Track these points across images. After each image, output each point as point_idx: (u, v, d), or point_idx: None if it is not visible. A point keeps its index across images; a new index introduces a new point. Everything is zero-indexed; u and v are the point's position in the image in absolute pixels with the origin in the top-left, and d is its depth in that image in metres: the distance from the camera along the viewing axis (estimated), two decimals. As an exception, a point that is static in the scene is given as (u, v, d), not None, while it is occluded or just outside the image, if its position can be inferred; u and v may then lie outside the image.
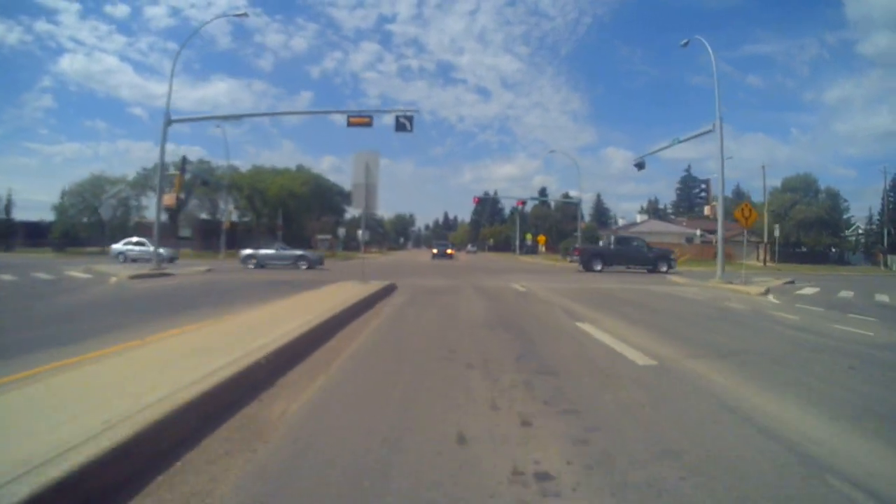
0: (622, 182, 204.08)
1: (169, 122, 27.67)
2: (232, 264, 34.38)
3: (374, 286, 14.42)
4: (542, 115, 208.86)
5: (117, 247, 38.94)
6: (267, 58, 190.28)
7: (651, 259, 32.93)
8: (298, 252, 33.07)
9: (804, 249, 71.21)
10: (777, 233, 46.16)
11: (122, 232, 62.49)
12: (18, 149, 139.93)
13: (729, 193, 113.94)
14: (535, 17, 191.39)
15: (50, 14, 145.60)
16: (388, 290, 14.68)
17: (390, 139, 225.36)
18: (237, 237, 58.85)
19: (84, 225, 59.21)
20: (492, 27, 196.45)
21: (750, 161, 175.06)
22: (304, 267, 30.14)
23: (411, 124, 23.77)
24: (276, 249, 32.28)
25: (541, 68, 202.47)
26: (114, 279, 20.24)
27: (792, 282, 27.92)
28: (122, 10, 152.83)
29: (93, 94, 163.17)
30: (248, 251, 32.19)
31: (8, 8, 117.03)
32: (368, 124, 24.30)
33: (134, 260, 35.54)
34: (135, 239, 40.28)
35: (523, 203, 60.21)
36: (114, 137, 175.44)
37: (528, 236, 77.37)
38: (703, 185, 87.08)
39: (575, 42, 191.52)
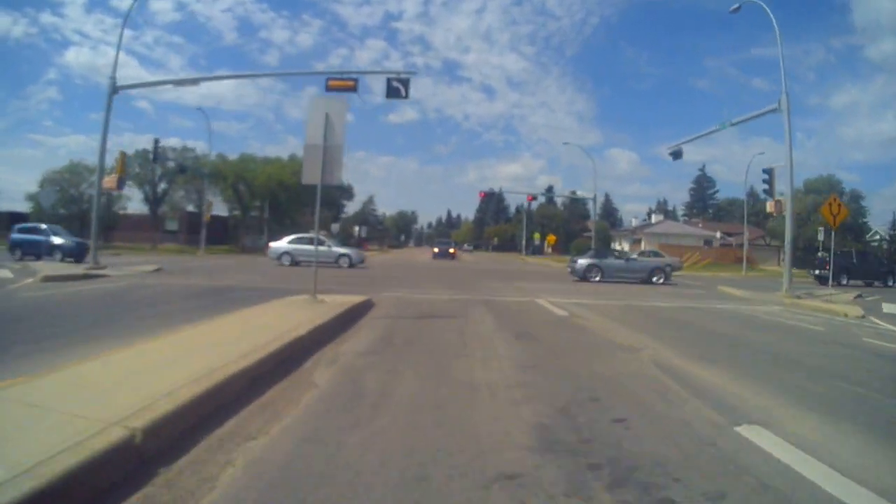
0: (627, 183, 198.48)
1: (115, 90, 22.84)
2: (208, 261, 28.90)
3: (332, 307, 9.07)
4: (547, 115, 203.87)
5: (279, 245, 28.71)
6: (272, 54, 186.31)
7: (883, 273, 31.85)
8: (656, 262, 27.83)
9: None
10: (822, 237, 40.92)
11: (100, 223, 57.43)
12: (23, 140, 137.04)
13: (742, 196, 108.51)
14: (541, 17, 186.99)
15: (55, 6, 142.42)
16: (354, 315, 9.32)
17: (394, 135, 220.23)
18: (227, 231, 53.65)
19: (61, 216, 53.76)
20: (498, 26, 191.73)
21: (756, 165, 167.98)
22: (659, 281, 24.81)
23: (406, 89, 18.47)
24: (625, 260, 26.37)
25: (547, 68, 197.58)
26: (29, 281, 15.47)
27: (860, 295, 22.90)
28: (127, 4, 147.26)
29: (98, 87, 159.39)
30: (584, 260, 25.20)
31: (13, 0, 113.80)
32: (352, 88, 18.97)
33: (295, 262, 27.22)
34: (308, 235, 28.81)
35: (533, 198, 54.72)
36: (119, 130, 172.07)
37: (537, 235, 72.22)
38: (766, 176, 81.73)
39: (581, 42, 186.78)
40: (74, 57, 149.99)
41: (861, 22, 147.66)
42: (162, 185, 52.21)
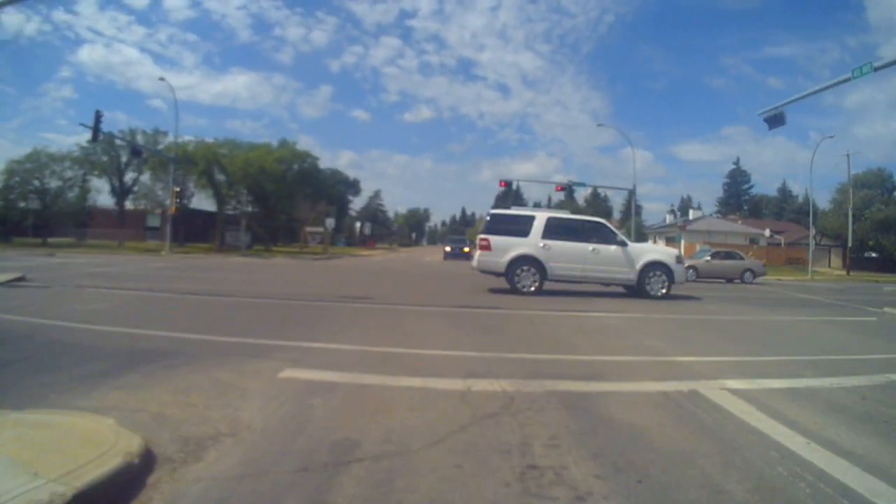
0: (640, 182, 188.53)
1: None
2: (140, 266, 20.47)
3: None
4: (561, 114, 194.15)
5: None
6: (286, 51, 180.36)
7: None
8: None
9: (874, 255, 56.33)
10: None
11: (73, 219, 49.11)
12: (37, 139, 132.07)
13: (774, 192, 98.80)
14: (556, 15, 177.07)
15: (68, 4, 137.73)
16: None
17: (409, 133, 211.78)
18: (215, 227, 44.71)
19: (22, 210, 45.12)
20: (513, 24, 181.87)
21: (769, 164, 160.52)
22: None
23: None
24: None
25: (562, 66, 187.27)
26: None
27: None
28: (141, 1, 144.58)
29: (112, 86, 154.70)
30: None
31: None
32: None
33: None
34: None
35: (563, 188, 45.49)
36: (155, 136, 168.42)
37: (561, 234, 63.21)
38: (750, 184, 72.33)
39: (596, 40, 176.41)
40: (88, 55, 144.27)
41: (875, 20, 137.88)
42: (132, 175, 43.80)
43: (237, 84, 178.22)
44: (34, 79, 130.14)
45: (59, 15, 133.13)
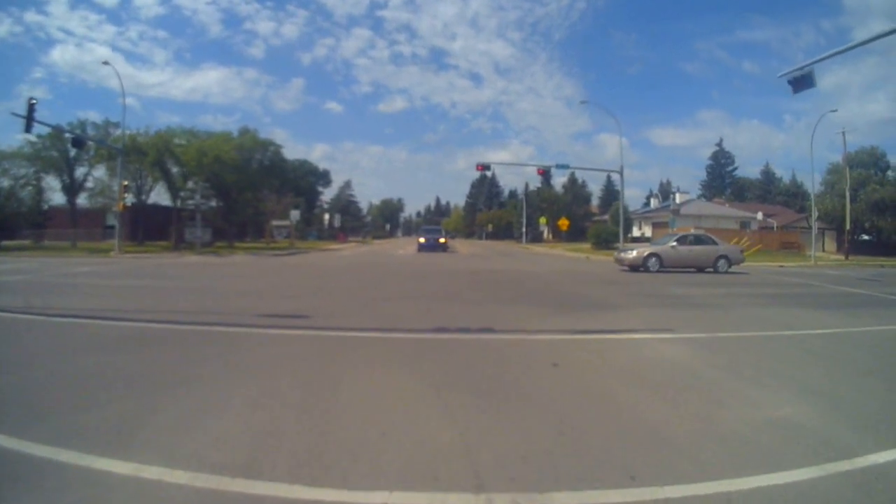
0: (618, 167, 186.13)
1: None
2: (80, 267, 16.49)
3: None
4: (535, 101, 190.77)
5: None
6: (258, 45, 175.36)
7: None
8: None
9: (867, 237, 53.95)
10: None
11: (28, 220, 44.66)
12: (11, 140, 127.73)
13: (758, 175, 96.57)
14: (528, 3, 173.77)
15: (39, 4, 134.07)
16: None
17: (383, 125, 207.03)
18: (166, 222, 40.58)
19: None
20: (485, 12, 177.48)
21: (744, 147, 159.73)
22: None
23: None
24: None
25: (534, 54, 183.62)
26: None
27: None
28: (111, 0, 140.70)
29: (84, 85, 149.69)
30: None
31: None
32: None
33: None
34: None
35: (543, 172, 42.06)
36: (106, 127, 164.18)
37: (543, 220, 60.04)
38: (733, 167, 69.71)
39: (568, 27, 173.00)
40: (60, 55, 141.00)
41: (850, 3, 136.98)
42: (83, 170, 39.34)
43: (209, 79, 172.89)
44: (7, 81, 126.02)
45: (31, 16, 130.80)
